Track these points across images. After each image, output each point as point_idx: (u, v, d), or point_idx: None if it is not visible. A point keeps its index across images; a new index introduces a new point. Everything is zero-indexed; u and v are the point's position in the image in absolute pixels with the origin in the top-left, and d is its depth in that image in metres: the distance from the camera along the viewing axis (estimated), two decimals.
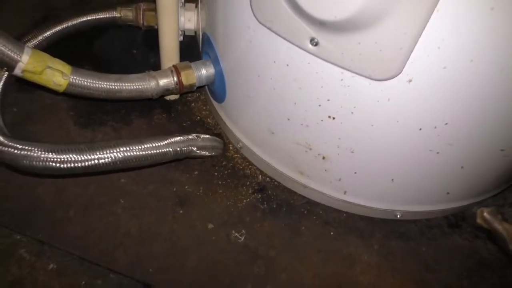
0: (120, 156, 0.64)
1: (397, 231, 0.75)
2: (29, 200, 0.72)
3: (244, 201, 0.76)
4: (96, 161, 0.62)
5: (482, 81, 0.48)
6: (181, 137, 0.71)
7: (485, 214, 0.42)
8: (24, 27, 0.93)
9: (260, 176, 0.80)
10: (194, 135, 0.73)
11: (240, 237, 0.71)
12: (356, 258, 0.71)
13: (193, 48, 0.90)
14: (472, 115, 0.53)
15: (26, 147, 0.60)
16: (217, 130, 0.86)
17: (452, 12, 0.42)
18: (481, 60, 0.45)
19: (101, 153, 0.63)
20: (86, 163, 0.62)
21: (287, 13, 0.50)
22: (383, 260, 0.71)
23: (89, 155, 0.62)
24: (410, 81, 0.49)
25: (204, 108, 0.90)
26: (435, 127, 0.54)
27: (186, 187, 0.76)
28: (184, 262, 0.67)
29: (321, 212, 0.76)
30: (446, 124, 0.53)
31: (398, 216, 0.73)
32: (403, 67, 0.47)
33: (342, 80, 0.53)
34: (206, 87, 0.85)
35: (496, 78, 0.47)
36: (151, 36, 0.89)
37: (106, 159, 0.63)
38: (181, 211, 0.73)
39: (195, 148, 0.72)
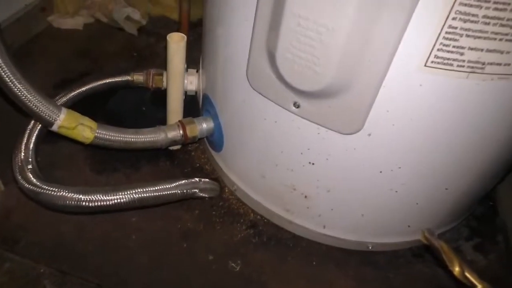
0: (137, 197, 0.77)
1: (368, 260, 0.87)
2: (53, 236, 0.83)
3: (239, 235, 0.88)
4: (118, 200, 0.75)
5: (421, 135, 0.64)
6: (186, 181, 0.84)
7: (426, 233, 0.55)
8: (47, 88, 1.08)
9: (252, 214, 0.93)
10: (196, 179, 0.87)
11: (236, 266, 0.83)
12: (334, 283, 0.83)
13: (192, 104, 1.06)
14: (418, 159, 0.68)
15: (61, 190, 0.73)
16: (214, 175, 0.99)
17: (393, 86, 0.59)
18: (417, 119, 0.61)
19: (123, 193, 0.76)
20: (111, 202, 0.75)
21: (276, 83, 0.66)
22: (357, 285, 0.83)
23: (113, 196, 0.75)
24: (369, 134, 0.65)
25: (203, 156, 1.04)
26: (392, 170, 0.69)
27: (188, 224, 0.89)
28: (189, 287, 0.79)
29: (304, 245, 0.88)
30: (400, 168, 0.68)
31: (370, 248, 0.86)
32: (363, 124, 0.63)
33: (319, 133, 0.68)
34: (205, 138, 0.99)
35: (432, 132, 0.63)
36: (158, 96, 1.05)
37: (126, 199, 0.76)
38: (185, 245, 0.85)
39: (197, 190, 0.86)
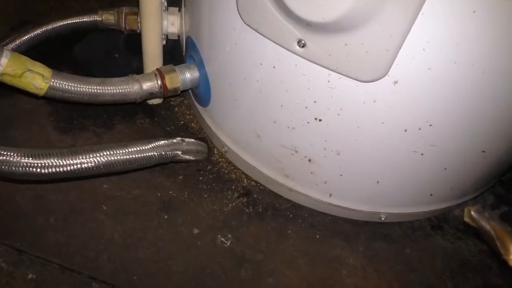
0: (104, 160, 0.63)
1: (381, 233, 0.75)
2: (7, 208, 0.69)
3: (230, 205, 0.75)
4: (79, 165, 0.61)
5: (464, 83, 0.49)
6: (166, 141, 0.70)
7: (472, 212, 0.43)
8: (3, 31, 0.91)
9: (246, 180, 0.79)
10: (178, 139, 0.72)
11: (226, 241, 0.70)
12: (342, 261, 0.71)
13: (176, 52, 0.90)
14: (455, 116, 0.54)
15: (5, 152, 0.58)
16: (202, 135, 0.85)
17: (436, 15, 0.43)
18: (463, 62, 0.46)
19: (84, 157, 0.61)
20: (68, 168, 0.61)
21: (274, 14, 0.51)
22: (368, 262, 0.71)
23: (72, 160, 0.61)
24: (395, 82, 0.50)
25: (188, 112, 0.89)
26: (420, 129, 0.55)
27: (170, 192, 0.75)
28: (170, 268, 0.66)
29: (306, 215, 0.76)
30: (430, 125, 0.54)
31: (383, 219, 0.73)
32: (389, 69, 0.48)
33: (329, 81, 0.53)
34: (190, 91, 0.84)
35: (478, 80, 0.49)
36: (134, 40, 0.88)
37: (89, 164, 0.62)
38: (166, 217, 0.72)
39: (179, 152, 0.72)
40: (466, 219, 0.44)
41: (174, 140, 0.71)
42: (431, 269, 0.72)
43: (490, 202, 0.84)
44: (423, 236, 0.76)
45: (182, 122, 0.87)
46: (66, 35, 0.89)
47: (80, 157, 0.61)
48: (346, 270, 0.70)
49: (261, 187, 0.78)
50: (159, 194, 0.75)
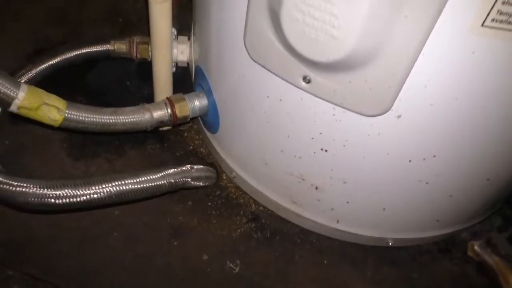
0: (116, 190, 0.64)
1: (389, 258, 0.76)
2: (22, 235, 0.71)
3: (238, 230, 0.76)
4: (92, 195, 0.63)
5: (466, 118, 0.50)
6: (175, 169, 0.72)
7: (476, 247, 0.43)
8: (18, 60, 0.94)
9: (254, 205, 0.80)
10: (188, 166, 0.74)
11: (235, 267, 0.71)
12: (350, 286, 0.71)
13: (185, 79, 0.92)
14: (458, 148, 0.55)
15: (22, 184, 0.60)
16: (210, 160, 0.87)
17: (436, 55, 0.45)
18: (464, 99, 0.48)
19: (97, 188, 0.63)
20: (82, 198, 0.63)
21: (281, 52, 0.52)
22: (376, 287, 0.72)
23: (85, 190, 0.63)
24: (399, 116, 0.52)
25: (197, 137, 0.91)
26: (424, 159, 0.56)
27: (180, 217, 0.77)
28: None
29: (314, 240, 0.77)
30: (434, 156, 0.55)
31: (390, 244, 0.74)
32: (392, 104, 0.49)
33: (334, 115, 0.55)
34: (199, 117, 0.86)
35: (480, 114, 0.50)
36: (144, 69, 0.91)
37: (102, 194, 0.64)
38: (175, 243, 0.73)
39: (189, 180, 0.73)
40: (470, 253, 0.44)
41: (184, 168, 0.73)
42: None
43: (497, 224, 0.84)
44: (431, 260, 0.77)
45: (191, 147, 0.89)
46: (78, 64, 0.92)
47: (93, 188, 0.63)
48: None
49: (269, 212, 0.79)
50: (168, 220, 0.76)
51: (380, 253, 0.76)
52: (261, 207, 0.80)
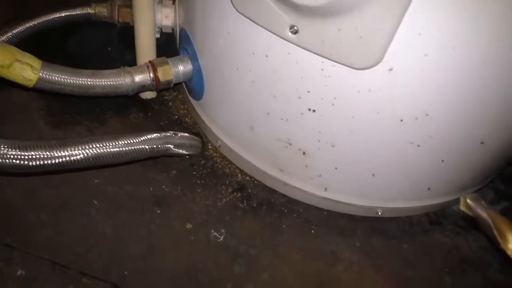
0: (93, 153, 0.61)
1: (378, 229, 0.74)
2: None
3: (224, 200, 0.74)
4: (67, 158, 0.59)
5: (464, 71, 0.48)
6: (158, 134, 0.69)
7: (469, 201, 0.41)
8: None
9: (240, 174, 0.78)
10: (171, 132, 0.71)
11: (219, 236, 0.69)
12: (338, 256, 0.69)
13: (170, 47, 0.88)
14: (452, 106, 0.52)
15: None
16: (196, 129, 0.84)
17: None
18: (463, 49, 0.45)
19: (73, 149, 0.60)
20: (57, 160, 0.59)
21: (266, 1, 0.49)
22: (364, 258, 0.69)
23: (60, 152, 0.59)
24: (390, 70, 0.49)
25: (182, 107, 0.88)
26: (416, 118, 0.53)
27: (163, 187, 0.74)
28: (162, 264, 0.65)
29: (301, 210, 0.74)
30: (427, 115, 0.53)
31: (379, 213, 0.72)
32: (384, 54, 0.47)
33: (322, 70, 0.52)
34: (184, 84, 0.83)
35: (479, 69, 0.47)
36: (127, 34, 0.87)
37: (78, 156, 0.60)
38: (158, 211, 0.71)
39: (172, 146, 0.70)
40: (462, 207, 0.42)
41: (167, 134, 0.70)
42: (430, 265, 0.70)
43: (490, 197, 0.82)
44: (421, 231, 0.75)
45: (176, 116, 0.86)
46: (59, 28, 0.88)
47: (69, 149, 0.60)
48: (342, 265, 0.68)
49: (255, 181, 0.77)
50: (151, 189, 0.73)
51: (369, 224, 0.74)
52: (247, 177, 0.77)
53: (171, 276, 0.63)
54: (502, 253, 0.38)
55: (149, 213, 0.70)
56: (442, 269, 0.70)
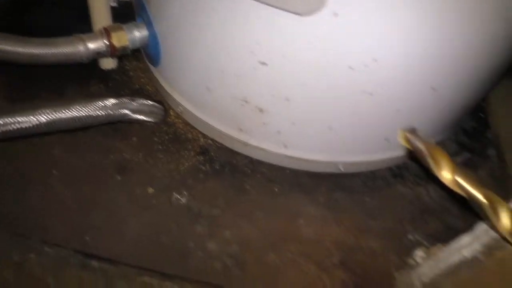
0: (46, 118, 0.60)
1: (341, 185, 0.75)
2: None
3: (186, 164, 0.74)
4: (18, 124, 0.58)
5: (410, 14, 0.48)
6: (113, 100, 0.68)
7: (407, 134, 0.42)
8: None
9: (202, 139, 0.78)
10: (128, 98, 0.70)
11: (181, 199, 0.69)
12: (300, 212, 0.70)
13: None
14: (400, 51, 0.53)
15: None
16: (158, 97, 0.83)
17: None
18: None
19: (24, 115, 0.59)
20: (9, 128, 0.58)
21: None
22: (327, 212, 0.70)
23: (11, 118, 0.58)
24: (335, 15, 0.49)
25: (143, 76, 0.87)
26: (365, 65, 0.53)
27: (124, 154, 0.73)
28: (124, 228, 0.65)
29: (265, 170, 0.74)
30: (376, 61, 0.53)
31: (342, 169, 0.72)
32: None
33: (269, 19, 0.51)
34: (143, 51, 0.82)
35: (425, 10, 0.47)
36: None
37: (31, 123, 0.59)
38: (119, 178, 0.70)
39: (128, 112, 0.70)
40: (400, 139, 0.43)
41: (123, 99, 0.69)
42: (391, 215, 0.72)
43: (452, 150, 0.84)
44: (384, 185, 0.76)
45: (138, 86, 0.85)
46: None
47: (20, 115, 0.58)
48: (305, 220, 0.69)
49: (218, 145, 0.77)
50: (112, 157, 0.73)
51: (332, 181, 0.75)
52: (209, 141, 0.77)
53: (133, 239, 0.63)
54: (438, 180, 0.38)
55: (110, 180, 0.70)
56: (403, 219, 0.71)
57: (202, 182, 0.71)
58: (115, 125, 0.74)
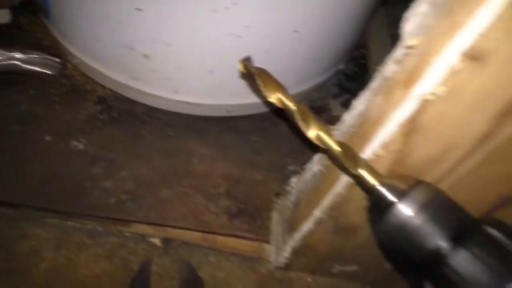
0: None
1: (231, 126, 0.82)
2: None
3: (84, 113, 0.77)
4: None
5: None
6: (1, 50, 0.69)
7: (243, 61, 0.48)
8: None
9: (100, 90, 0.81)
10: (18, 49, 0.72)
11: (79, 144, 0.73)
12: (193, 152, 0.77)
13: None
14: None
15: None
16: (55, 51, 0.84)
17: None
18: None
19: None
20: None
21: None
22: (217, 151, 0.78)
23: None
24: None
25: (40, 30, 0.87)
26: (227, 8, 0.59)
27: (22, 106, 0.76)
28: (24, 173, 0.68)
29: (161, 116, 0.80)
30: (235, 3, 0.59)
31: (230, 112, 0.79)
32: None
33: None
34: (37, 5, 0.82)
35: None
36: None
37: None
38: (17, 129, 0.73)
39: (19, 63, 0.71)
40: (240, 67, 0.49)
41: (11, 50, 0.71)
42: (274, 151, 0.80)
43: (334, 92, 0.94)
44: (269, 125, 0.84)
45: (34, 40, 0.86)
46: None
47: None
48: (197, 159, 0.76)
49: (116, 95, 0.81)
50: (11, 108, 0.75)
51: (223, 123, 0.82)
52: (108, 91, 0.81)
53: (34, 184, 0.67)
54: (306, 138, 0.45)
55: (7, 131, 0.72)
56: (285, 153, 0.80)
57: (100, 130, 0.76)
58: (13, 78, 0.76)
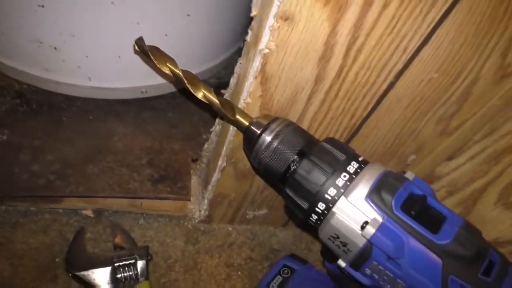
0: None
1: (148, 106, 0.91)
2: None
3: (3, 107, 0.82)
4: None
5: None
6: None
7: (137, 41, 0.57)
8: None
9: (17, 85, 0.86)
10: None
11: (2, 136, 0.78)
12: (113, 131, 0.85)
13: None
14: None
15: None
16: None
17: None
18: None
19: None
20: None
21: None
22: (136, 128, 0.86)
23: None
24: None
25: None
26: (123, 1, 0.68)
27: None
28: None
29: (80, 104, 0.87)
30: None
31: (145, 92, 0.88)
32: None
33: None
34: None
35: None
36: None
37: None
38: None
39: None
40: (136, 47, 0.58)
41: None
42: (189, 123, 0.91)
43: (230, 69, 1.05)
44: (182, 102, 0.94)
45: None
46: None
47: None
48: (117, 137, 0.84)
49: (33, 88, 0.86)
50: None
51: (141, 104, 0.91)
52: (24, 85, 0.86)
53: None
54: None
55: None
56: (198, 124, 0.91)
57: (21, 121, 0.82)
58: None
